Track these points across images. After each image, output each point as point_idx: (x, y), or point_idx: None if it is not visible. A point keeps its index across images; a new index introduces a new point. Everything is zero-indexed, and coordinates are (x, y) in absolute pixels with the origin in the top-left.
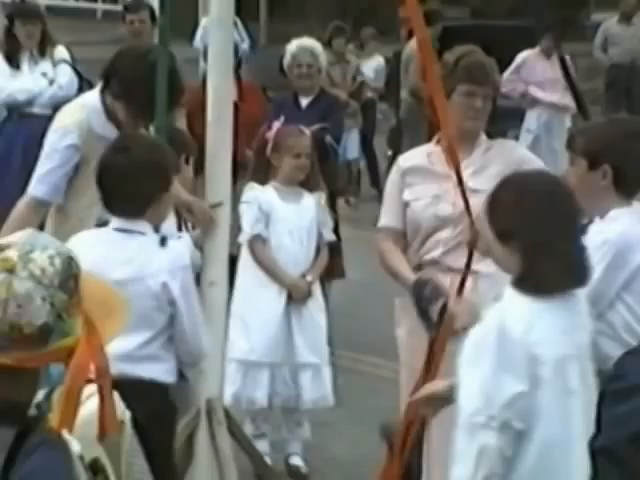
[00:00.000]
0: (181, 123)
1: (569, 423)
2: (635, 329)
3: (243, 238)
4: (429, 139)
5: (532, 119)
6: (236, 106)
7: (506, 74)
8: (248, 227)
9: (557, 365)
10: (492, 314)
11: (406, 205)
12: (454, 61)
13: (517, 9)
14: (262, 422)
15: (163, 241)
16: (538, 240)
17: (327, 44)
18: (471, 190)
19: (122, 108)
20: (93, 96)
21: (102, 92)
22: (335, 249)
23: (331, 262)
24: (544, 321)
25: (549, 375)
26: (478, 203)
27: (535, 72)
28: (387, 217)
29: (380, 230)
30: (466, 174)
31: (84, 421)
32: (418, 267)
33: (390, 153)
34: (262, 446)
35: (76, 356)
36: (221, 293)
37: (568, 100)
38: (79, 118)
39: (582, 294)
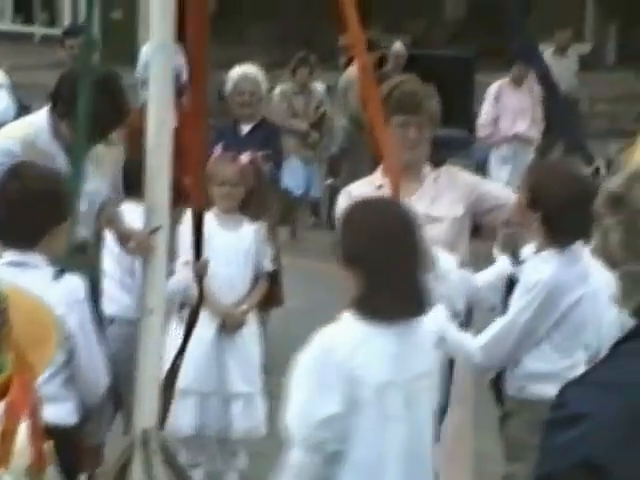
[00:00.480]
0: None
1: (385, 447)
2: (558, 363)
3: (178, 263)
4: (372, 167)
5: (504, 150)
6: (176, 132)
7: (482, 117)
8: (183, 252)
9: (378, 390)
10: (321, 335)
11: None
12: (387, 92)
13: (456, 39)
14: (198, 452)
15: (58, 274)
16: (380, 268)
17: (291, 74)
18: (432, 218)
19: (66, 127)
20: (41, 115)
21: (50, 111)
22: (274, 277)
23: (270, 290)
24: (372, 346)
25: (369, 399)
26: (440, 231)
27: (506, 103)
28: None
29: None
30: (424, 204)
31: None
32: None
33: (329, 181)
34: (198, 476)
35: (10, 396)
36: (159, 320)
37: (534, 132)
38: (25, 132)
39: (419, 323)
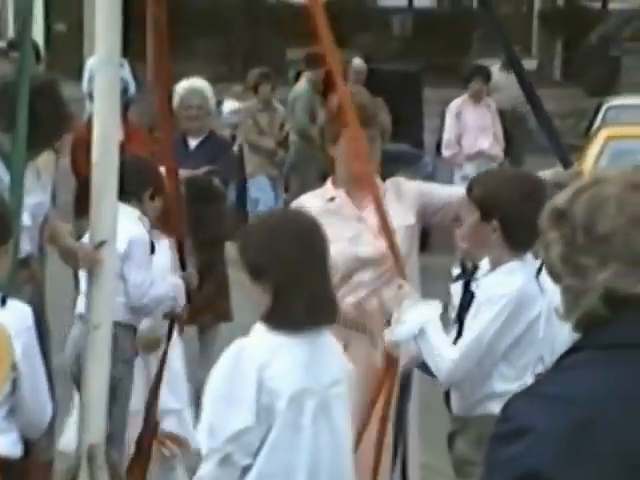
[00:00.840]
0: (65, 158)
1: (298, 457)
2: (514, 382)
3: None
4: (321, 180)
5: (468, 167)
6: (122, 146)
7: (446, 136)
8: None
9: (292, 400)
10: (233, 347)
11: None
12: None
13: (405, 53)
14: None
15: (3, 301)
16: (287, 278)
17: (253, 90)
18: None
19: (8, 140)
20: None
21: None
22: (223, 292)
23: (219, 305)
24: (283, 356)
25: (283, 409)
26: (397, 242)
27: (468, 120)
28: None
29: None
30: (376, 217)
31: None
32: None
33: (284, 197)
34: None
35: None
36: (105, 336)
37: (497, 149)
38: None
39: (327, 331)
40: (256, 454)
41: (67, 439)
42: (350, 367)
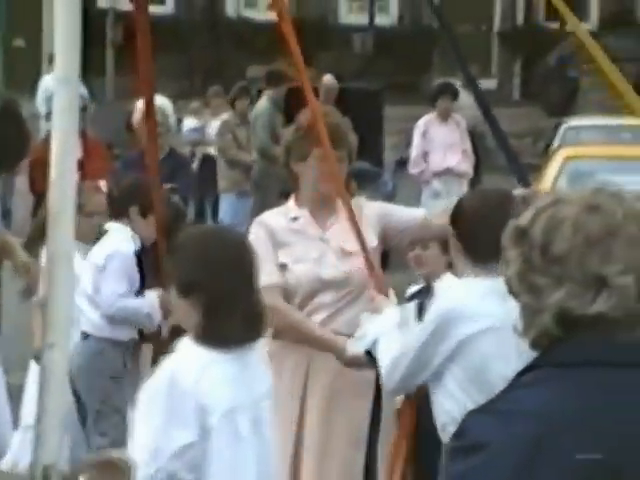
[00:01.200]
0: (23, 178)
1: (239, 469)
2: (460, 400)
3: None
4: (282, 198)
5: (437, 184)
6: (81, 163)
7: (413, 154)
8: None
9: (226, 414)
10: (165, 365)
11: (282, 267)
12: (309, 124)
13: (365, 72)
14: None
15: None
16: (220, 295)
17: (231, 105)
18: (348, 252)
19: None
20: None
21: None
22: None
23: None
24: (215, 372)
25: (218, 424)
26: (356, 263)
27: (434, 138)
28: (269, 275)
29: (263, 289)
30: (340, 238)
31: None
32: None
33: None
34: None
35: None
36: (62, 355)
37: (465, 166)
38: None
39: (258, 345)
40: (197, 472)
41: (10, 458)
42: (272, 382)
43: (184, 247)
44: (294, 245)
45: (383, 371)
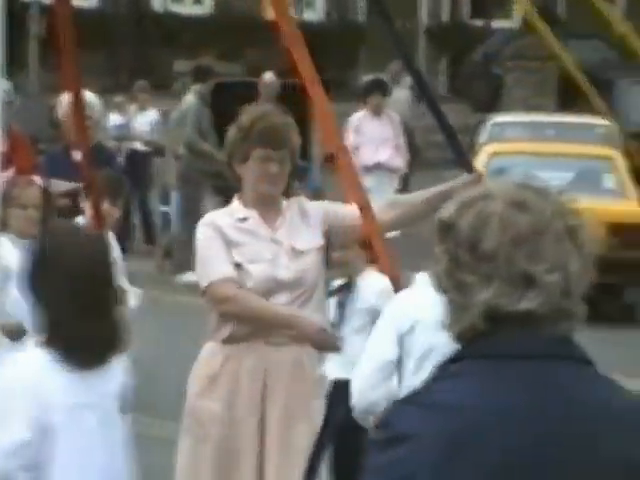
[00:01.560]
0: None
1: (83, 472)
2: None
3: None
4: (215, 194)
5: (367, 179)
6: (9, 158)
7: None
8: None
9: (69, 414)
10: (5, 365)
11: (237, 266)
12: (249, 125)
13: (292, 67)
14: None
15: None
16: (58, 319)
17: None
18: (299, 252)
19: None
20: None
21: None
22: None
23: None
24: (58, 370)
25: (60, 424)
26: (309, 263)
27: (367, 133)
28: (223, 268)
29: (217, 283)
30: (289, 238)
31: None
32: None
33: (165, 209)
34: None
35: None
36: None
37: (398, 161)
38: None
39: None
40: (39, 471)
41: None
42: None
43: (43, 251)
44: (246, 245)
45: (354, 391)
